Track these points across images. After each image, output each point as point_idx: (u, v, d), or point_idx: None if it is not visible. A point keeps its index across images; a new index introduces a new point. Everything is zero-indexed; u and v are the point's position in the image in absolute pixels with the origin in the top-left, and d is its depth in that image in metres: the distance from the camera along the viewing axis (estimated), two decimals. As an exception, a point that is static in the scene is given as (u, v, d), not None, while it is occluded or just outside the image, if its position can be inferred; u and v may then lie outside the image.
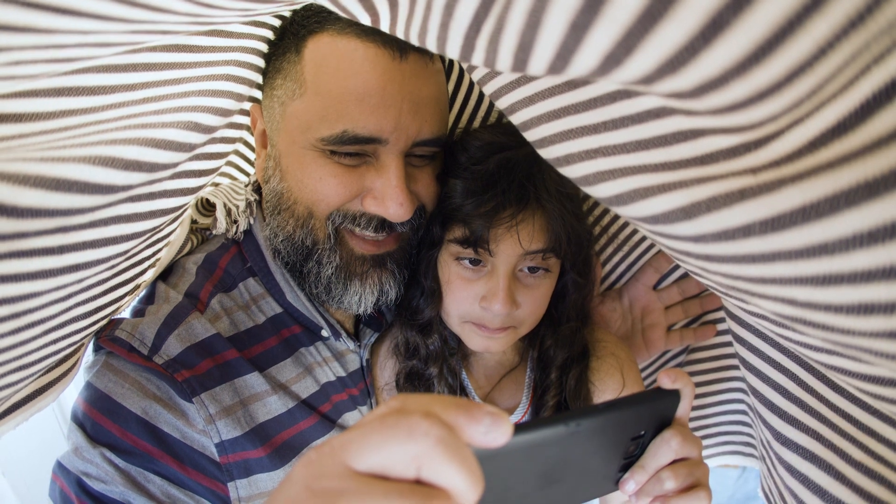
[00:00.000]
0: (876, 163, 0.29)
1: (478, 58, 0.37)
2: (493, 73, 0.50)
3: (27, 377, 0.52)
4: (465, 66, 0.55)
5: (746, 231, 0.35)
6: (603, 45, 0.29)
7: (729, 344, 0.87)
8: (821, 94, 0.29)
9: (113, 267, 0.54)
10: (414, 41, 0.42)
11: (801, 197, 0.32)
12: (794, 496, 0.54)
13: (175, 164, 0.53)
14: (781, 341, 0.50)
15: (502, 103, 0.50)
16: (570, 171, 0.46)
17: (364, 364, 0.73)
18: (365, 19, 0.44)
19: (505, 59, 0.35)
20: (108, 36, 0.38)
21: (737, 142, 0.35)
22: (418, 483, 0.29)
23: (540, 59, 0.33)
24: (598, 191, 0.44)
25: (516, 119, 0.49)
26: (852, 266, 0.31)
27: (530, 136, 0.49)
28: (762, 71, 0.28)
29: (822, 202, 0.31)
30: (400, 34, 0.43)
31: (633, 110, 0.39)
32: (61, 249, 0.45)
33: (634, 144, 0.40)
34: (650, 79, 0.31)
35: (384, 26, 0.44)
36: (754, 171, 0.34)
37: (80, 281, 0.49)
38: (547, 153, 0.48)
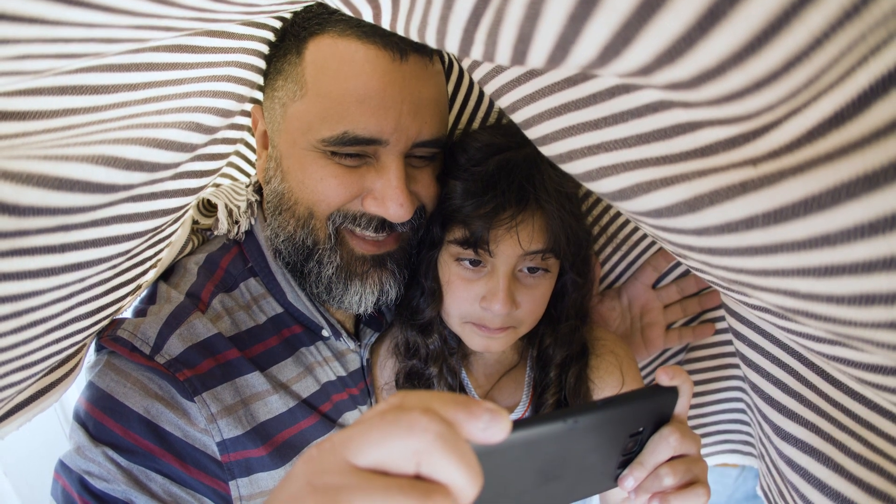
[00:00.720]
0: (875, 155, 0.29)
1: (477, 51, 0.38)
2: (494, 72, 0.50)
3: (29, 377, 0.52)
4: (465, 65, 0.55)
5: (749, 223, 0.35)
6: (602, 36, 0.30)
7: (728, 343, 0.87)
8: (818, 85, 0.30)
9: (114, 266, 0.54)
10: (413, 36, 0.42)
11: (802, 189, 0.32)
12: (795, 490, 0.55)
13: (176, 165, 0.54)
14: (782, 334, 0.50)
15: (503, 102, 0.50)
16: (573, 168, 0.46)
17: (364, 364, 0.74)
18: (367, 13, 0.44)
19: (504, 51, 0.35)
20: (113, 31, 0.38)
21: (735, 132, 0.35)
22: (418, 478, 0.29)
23: (539, 50, 0.33)
24: (601, 186, 0.45)
25: (518, 117, 0.49)
26: (854, 257, 0.32)
27: (532, 133, 0.49)
28: (759, 61, 0.28)
29: (824, 194, 0.31)
30: (400, 29, 0.43)
31: (632, 105, 0.40)
32: (62, 248, 0.45)
33: (635, 139, 0.40)
34: (648, 69, 0.31)
35: (385, 21, 0.44)
36: (755, 162, 0.35)
37: (82, 280, 0.50)
38: (549, 150, 0.48)
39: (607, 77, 0.40)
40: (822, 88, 0.30)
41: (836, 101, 0.30)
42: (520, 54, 0.35)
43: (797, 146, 0.33)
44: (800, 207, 0.33)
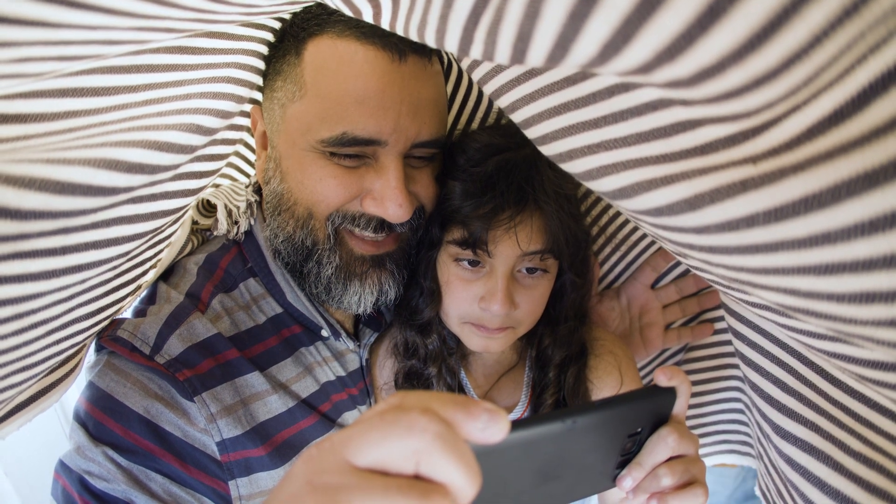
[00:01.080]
0: (875, 153, 0.29)
1: (476, 50, 0.37)
2: (494, 72, 0.50)
3: (31, 378, 0.53)
4: (464, 66, 0.55)
5: (750, 221, 0.35)
6: (601, 33, 0.30)
7: (726, 343, 0.88)
8: (817, 83, 0.30)
9: (115, 268, 0.54)
10: (413, 36, 0.42)
11: (802, 187, 0.32)
12: (795, 489, 0.55)
13: (176, 166, 0.54)
14: (783, 331, 0.50)
15: (503, 102, 0.50)
16: (573, 167, 0.46)
17: (363, 364, 0.74)
18: (367, 12, 0.44)
19: (504, 50, 0.35)
20: (114, 33, 0.38)
21: (735, 130, 0.35)
22: (417, 478, 0.29)
23: (539, 49, 0.33)
24: (601, 185, 0.45)
25: (517, 117, 0.49)
26: (854, 255, 0.32)
27: (532, 133, 0.49)
28: (758, 58, 0.28)
29: (825, 192, 0.31)
30: (399, 29, 0.43)
31: (632, 103, 0.40)
32: (64, 250, 0.45)
33: (635, 137, 0.40)
34: (648, 67, 0.31)
35: (385, 20, 0.44)
36: (754, 160, 0.35)
37: (83, 282, 0.50)
38: (549, 150, 0.48)
39: (607, 76, 0.41)
40: (821, 86, 0.30)
41: (835, 99, 0.30)
42: (519, 53, 0.35)
43: (797, 144, 0.33)
44: (800, 205, 0.33)
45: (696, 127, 0.37)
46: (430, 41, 0.41)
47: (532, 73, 0.46)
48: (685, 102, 0.35)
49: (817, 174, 0.32)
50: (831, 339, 0.44)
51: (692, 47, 0.29)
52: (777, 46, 0.27)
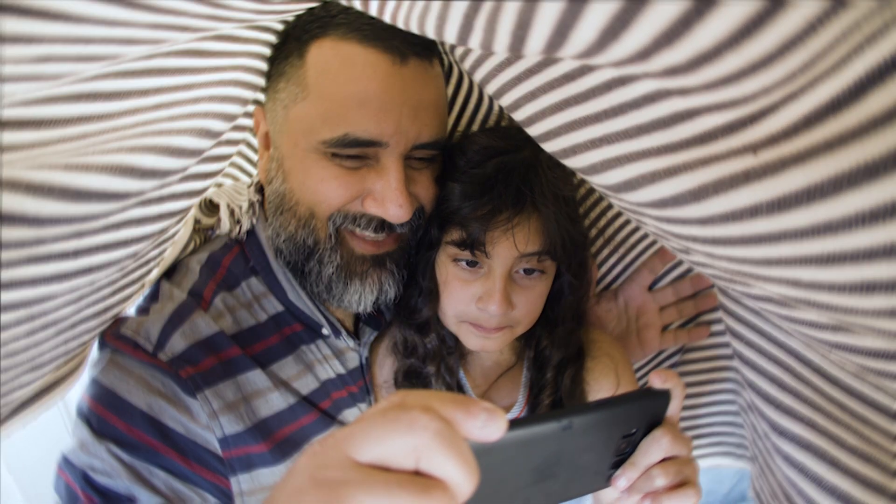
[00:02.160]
0: (874, 144, 0.30)
1: (475, 39, 0.38)
2: (495, 71, 0.50)
3: (39, 377, 0.53)
4: (466, 67, 0.56)
5: (753, 212, 0.36)
6: (600, 19, 0.30)
7: (723, 345, 0.88)
8: (814, 70, 0.30)
9: (123, 269, 0.55)
10: (413, 27, 0.43)
11: (804, 178, 0.33)
12: (793, 486, 0.55)
13: (184, 170, 0.54)
14: (784, 323, 0.51)
15: (505, 100, 0.51)
16: (577, 162, 0.47)
17: (363, 362, 0.74)
18: (374, 4, 0.45)
19: (503, 38, 0.36)
20: (132, 30, 0.38)
21: (733, 118, 0.35)
22: (417, 474, 0.30)
23: (538, 36, 0.33)
24: (606, 179, 0.45)
25: (520, 115, 0.50)
26: (855, 245, 0.32)
27: (534, 130, 0.49)
28: (754, 43, 0.29)
29: (826, 183, 0.32)
30: (401, 20, 0.44)
31: (630, 96, 0.40)
32: (76, 254, 0.46)
33: (636, 130, 0.41)
34: (646, 53, 0.31)
35: (388, 11, 0.44)
36: (754, 149, 0.35)
37: (92, 283, 0.50)
38: (552, 146, 0.48)
39: (605, 70, 0.41)
40: (818, 74, 0.30)
41: (832, 89, 0.31)
42: (518, 41, 0.35)
43: (794, 132, 0.33)
44: (802, 196, 0.33)
45: (695, 116, 0.37)
46: (430, 31, 0.41)
47: (532, 71, 0.47)
48: (683, 91, 0.36)
49: (818, 165, 0.32)
50: (833, 329, 0.45)
51: (689, 32, 0.29)
52: (772, 32, 0.28)
